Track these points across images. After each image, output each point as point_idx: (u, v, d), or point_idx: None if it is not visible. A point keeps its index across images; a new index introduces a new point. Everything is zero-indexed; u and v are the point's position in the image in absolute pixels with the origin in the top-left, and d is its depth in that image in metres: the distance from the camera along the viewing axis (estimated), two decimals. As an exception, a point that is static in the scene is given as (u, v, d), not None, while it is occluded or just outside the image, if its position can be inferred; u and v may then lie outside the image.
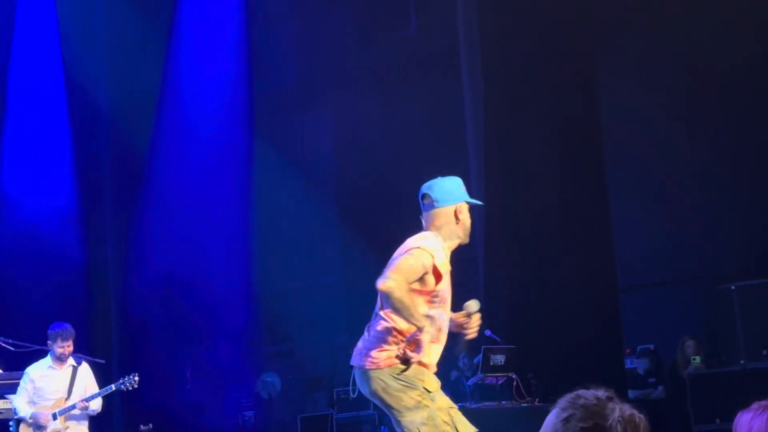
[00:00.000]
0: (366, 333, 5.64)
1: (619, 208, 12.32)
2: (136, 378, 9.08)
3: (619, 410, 2.16)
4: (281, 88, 14.83)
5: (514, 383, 9.89)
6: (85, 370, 9.25)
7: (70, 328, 9.08)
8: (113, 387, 9.08)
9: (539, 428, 2.29)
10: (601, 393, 2.20)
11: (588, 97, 11.98)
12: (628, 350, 12.29)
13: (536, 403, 9.72)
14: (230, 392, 13.52)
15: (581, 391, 2.21)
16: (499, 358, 10.07)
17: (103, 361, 9.93)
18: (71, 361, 9.17)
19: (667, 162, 13.00)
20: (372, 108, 14.14)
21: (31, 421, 8.89)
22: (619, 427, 2.13)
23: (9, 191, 12.93)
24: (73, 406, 8.93)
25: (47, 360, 9.14)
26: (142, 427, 10.40)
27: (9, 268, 12.58)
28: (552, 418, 2.20)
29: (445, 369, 12.41)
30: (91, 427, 9.24)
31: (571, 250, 11.46)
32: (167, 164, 13.49)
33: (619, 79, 12.88)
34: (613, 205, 12.07)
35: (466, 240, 5.72)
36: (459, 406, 10.35)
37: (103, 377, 9.40)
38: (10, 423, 9.22)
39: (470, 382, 11.50)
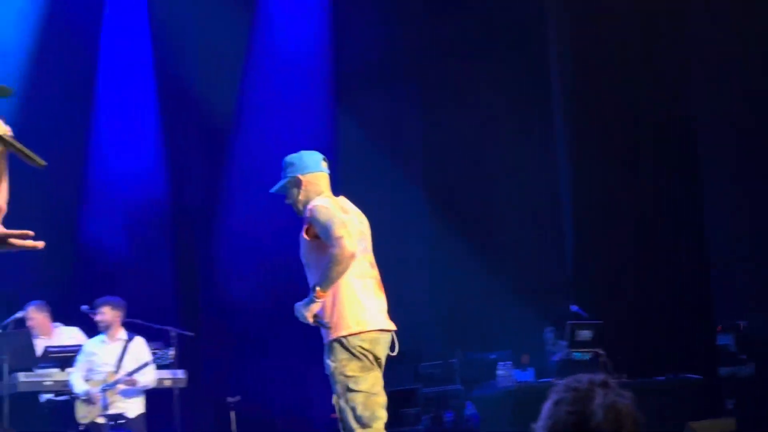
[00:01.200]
0: (382, 297, 5.92)
1: (710, 182, 12.04)
2: (172, 353, 9.06)
3: (603, 396, 2.14)
4: (365, 62, 14.76)
5: (601, 359, 9.75)
6: (138, 345, 9.10)
7: (103, 299, 9.06)
8: (150, 362, 9.00)
9: None
10: (598, 378, 2.18)
11: (681, 73, 11.74)
12: (719, 327, 12.03)
13: (624, 379, 9.55)
14: (315, 367, 13.54)
15: (580, 375, 2.21)
16: (585, 334, 9.94)
17: (192, 334, 9.89)
18: (122, 334, 9.08)
19: (760, 135, 12.67)
20: (457, 81, 13.99)
21: (84, 397, 8.79)
22: (600, 412, 2.11)
23: (102, 160, 13.01)
24: (118, 381, 8.82)
25: (103, 334, 9.10)
26: (229, 399, 10.44)
27: (100, 239, 12.65)
28: (548, 401, 2.21)
29: (538, 342, 12.30)
30: (147, 403, 9.07)
31: (662, 225, 11.27)
32: (250, 140, 13.52)
33: (713, 58, 12.56)
34: (705, 179, 11.81)
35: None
36: (546, 381, 10.30)
37: (191, 351, 9.39)
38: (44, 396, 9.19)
39: (555, 357, 11.37)
